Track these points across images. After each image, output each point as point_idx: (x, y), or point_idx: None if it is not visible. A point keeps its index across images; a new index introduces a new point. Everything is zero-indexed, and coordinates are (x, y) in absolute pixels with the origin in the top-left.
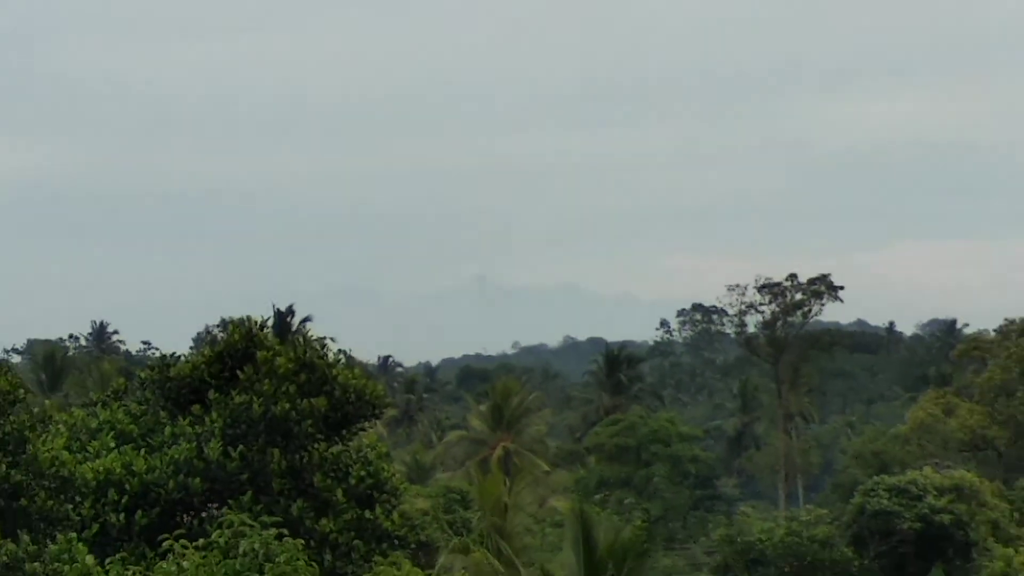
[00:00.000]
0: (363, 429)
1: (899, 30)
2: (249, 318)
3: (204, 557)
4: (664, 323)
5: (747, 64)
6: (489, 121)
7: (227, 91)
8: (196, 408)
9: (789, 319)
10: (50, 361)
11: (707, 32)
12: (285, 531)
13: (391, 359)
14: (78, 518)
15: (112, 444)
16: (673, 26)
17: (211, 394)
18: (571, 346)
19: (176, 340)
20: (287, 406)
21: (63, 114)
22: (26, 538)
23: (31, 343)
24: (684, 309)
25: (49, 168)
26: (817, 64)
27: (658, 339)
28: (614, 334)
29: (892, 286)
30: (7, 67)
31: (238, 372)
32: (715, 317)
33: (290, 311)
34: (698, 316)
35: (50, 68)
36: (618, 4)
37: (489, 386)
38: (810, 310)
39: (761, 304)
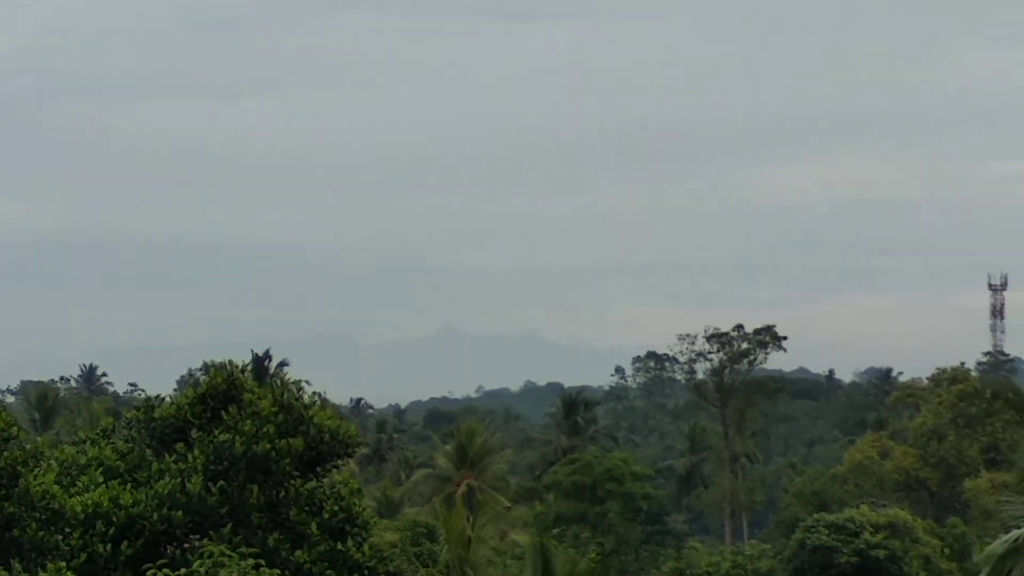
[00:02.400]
0: (336, 466)
1: (832, 98)
2: (230, 362)
3: None
4: (619, 369)
5: (696, 129)
6: (456, 181)
7: (217, 149)
8: (180, 446)
9: (736, 366)
10: (42, 401)
11: (656, 98)
12: (262, 561)
13: (363, 401)
14: (67, 548)
15: (100, 479)
16: (624, 93)
17: (194, 433)
18: (531, 390)
19: (161, 383)
20: (268, 446)
21: (55, 169)
22: (18, 566)
23: (24, 384)
24: (638, 356)
25: (41, 219)
26: (762, 129)
27: (613, 384)
28: (572, 379)
29: (832, 336)
30: (11, 128)
31: (222, 412)
32: (667, 364)
33: (267, 356)
34: (651, 363)
35: (46, 125)
36: (575, 71)
37: (454, 427)
38: (755, 358)
39: (710, 352)
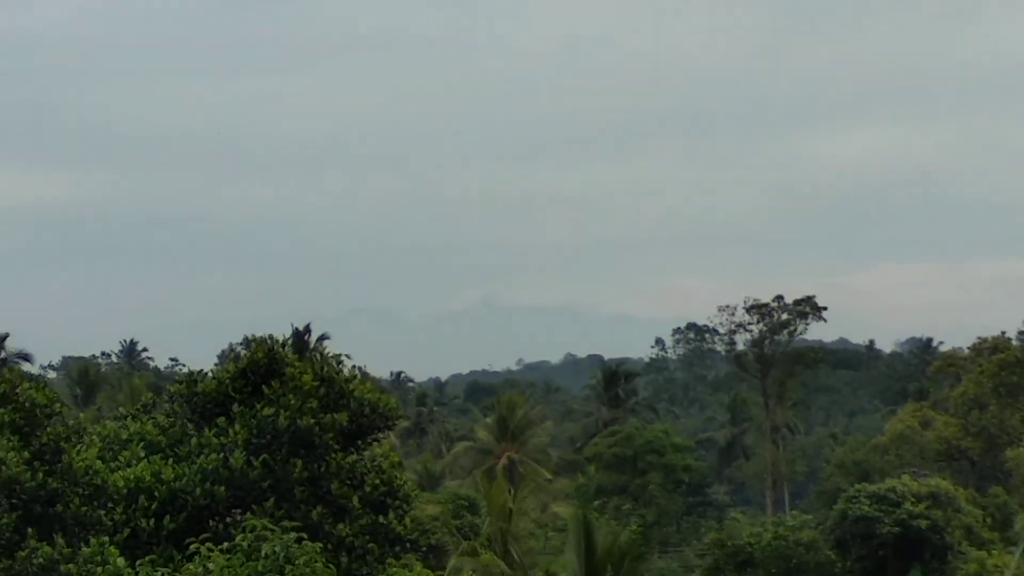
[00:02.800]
0: (377, 440)
1: (872, 66)
2: (271, 336)
3: (228, 559)
4: (659, 341)
5: (729, 104)
6: (495, 155)
7: (257, 127)
8: (221, 420)
9: (776, 337)
10: (84, 377)
11: (698, 72)
12: (304, 535)
13: (403, 375)
14: (110, 523)
15: (142, 454)
16: (665, 70)
17: (235, 407)
18: (572, 363)
19: (202, 357)
20: (312, 420)
21: (95, 147)
22: (61, 541)
23: (66, 360)
24: (678, 328)
25: (85, 196)
26: (800, 100)
27: (653, 356)
28: (612, 351)
29: (872, 306)
30: (55, 106)
31: (264, 387)
32: (707, 336)
33: (307, 330)
34: (691, 335)
35: (87, 103)
36: (609, 48)
37: (495, 400)
38: (795, 329)
39: (750, 324)
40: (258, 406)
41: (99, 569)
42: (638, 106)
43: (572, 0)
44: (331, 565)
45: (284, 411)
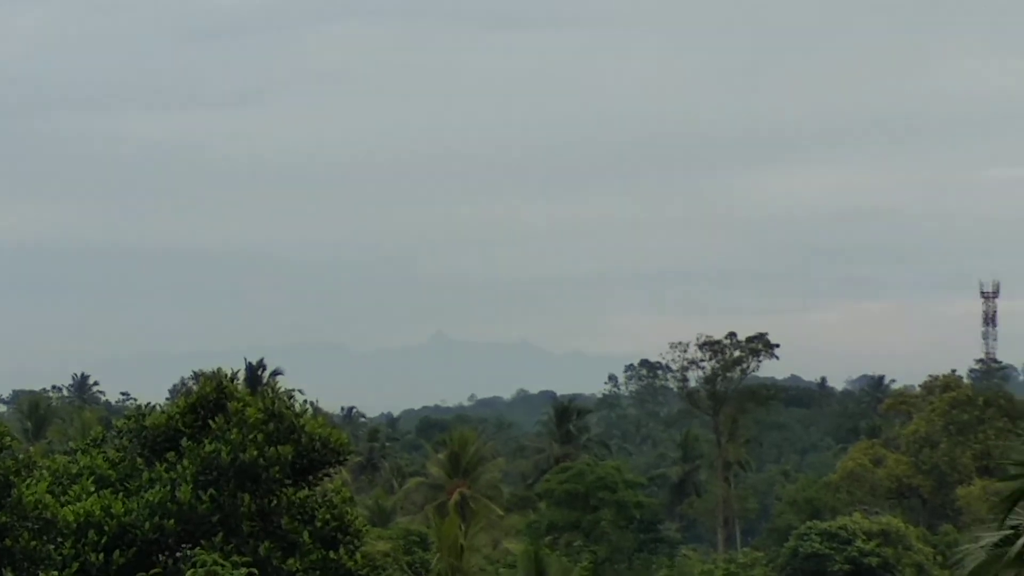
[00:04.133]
0: (328, 475)
1: (825, 106)
2: (220, 371)
3: None
4: (612, 377)
5: (688, 138)
6: (448, 188)
7: (203, 157)
8: (170, 455)
9: (728, 374)
10: (34, 410)
11: (649, 106)
12: (255, 570)
13: (355, 410)
14: (59, 558)
15: (92, 488)
16: (617, 102)
17: (184, 442)
18: (524, 399)
19: (154, 392)
20: (255, 453)
21: (45, 177)
22: None
23: (16, 393)
24: (631, 364)
25: (32, 227)
26: (753, 138)
27: (606, 392)
28: (564, 388)
29: (824, 344)
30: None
31: (210, 422)
32: (659, 372)
33: (261, 365)
34: (643, 371)
35: (39, 134)
36: (568, 80)
37: (447, 435)
38: (748, 366)
39: (702, 360)
40: (204, 441)
41: None
42: (591, 141)
43: (520, 37)
44: None
45: (227, 446)
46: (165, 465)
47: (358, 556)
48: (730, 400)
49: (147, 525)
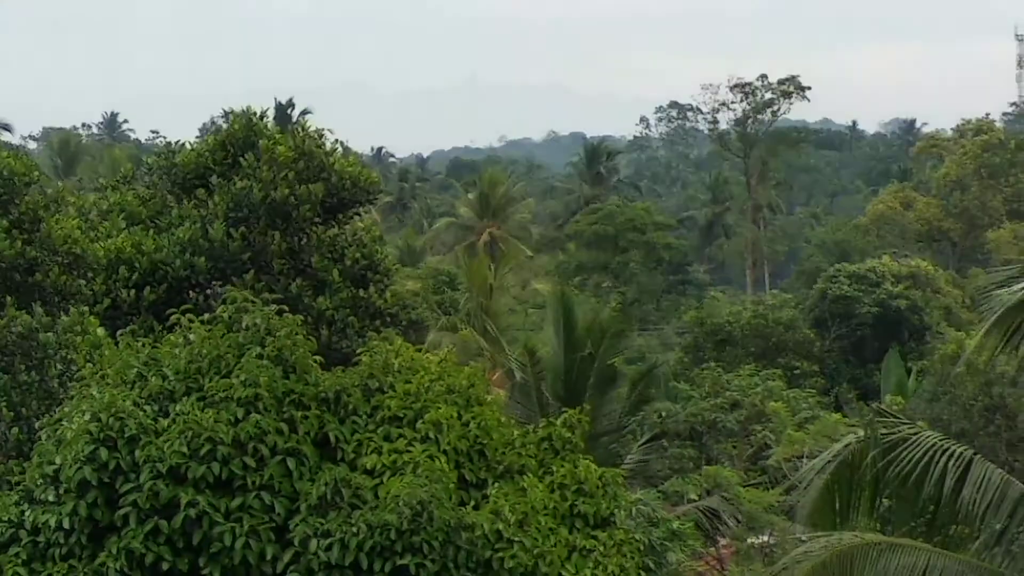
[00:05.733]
0: (358, 214)
1: None
2: (250, 108)
3: (209, 330)
4: (643, 119)
5: None
6: None
7: None
8: (200, 192)
9: (759, 117)
10: (65, 147)
11: None
12: (285, 308)
13: (384, 150)
14: (90, 293)
15: (122, 225)
16: None
17: (214, 179)
18: (554, 140)
19: (183, 130)
20: (286, 192)
21: None
22: (40, 310)
23: (46, 131)
24: (661, 106)
25: None
26: None
27: (636, 134)
28: (595, 130)
29: (856, 87)
30: None
31: (240, 159)
32: (689, 115)
33: (290, 104)
34: (674, 113)
35: None
36: None
37: (477, 176)
38: (779, 109)
39: (733, 102)
40: (235, 178)
41: (79, 339)
42: None
43: None
44: (311, 337)
45: (258, 183)
46: (195, 202)
47: (388, 294)
48: (760, 142)
49: (178, 262)
